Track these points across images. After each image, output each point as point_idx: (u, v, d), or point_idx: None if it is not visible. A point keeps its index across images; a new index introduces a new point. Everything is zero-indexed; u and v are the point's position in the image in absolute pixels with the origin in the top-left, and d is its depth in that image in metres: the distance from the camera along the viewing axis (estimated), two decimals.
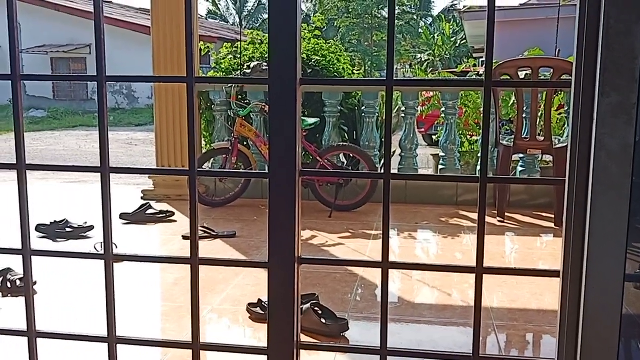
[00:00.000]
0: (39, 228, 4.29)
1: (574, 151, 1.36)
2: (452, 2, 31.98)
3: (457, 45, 27.31)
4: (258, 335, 2.74)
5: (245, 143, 5.57)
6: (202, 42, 6.82)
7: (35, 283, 1.92)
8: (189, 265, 1.62)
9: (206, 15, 33.77)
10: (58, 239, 4.27)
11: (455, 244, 4.29)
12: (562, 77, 4.48)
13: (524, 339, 2.79)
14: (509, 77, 4.72)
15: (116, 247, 1.98)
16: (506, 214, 4.82)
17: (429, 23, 30.80)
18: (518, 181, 5.17)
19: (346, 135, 6.02)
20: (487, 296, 3.12)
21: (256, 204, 5.27)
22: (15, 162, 1.56)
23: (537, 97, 4.83)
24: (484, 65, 1.49)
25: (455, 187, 5.35)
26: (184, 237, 4.30)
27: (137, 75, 1.69)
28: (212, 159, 5.46)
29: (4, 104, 20.96)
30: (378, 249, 1.66)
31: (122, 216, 4.76)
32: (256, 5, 33.74)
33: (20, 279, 3.17)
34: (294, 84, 1.48)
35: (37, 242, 4.12)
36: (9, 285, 3.18)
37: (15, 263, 3.28)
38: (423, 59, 28.23)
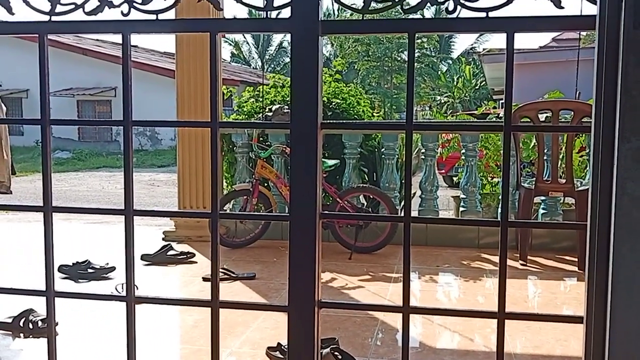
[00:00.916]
0: (61, 269, 4.33)
1: (594, 196, 1.36)
2: (472, 44, 32.27)
3: (477, 87, 27.46)
4: None
5: (266, 184, 5.61)
6: (224, 86, 6.95)
7: (56, 324, 1.93)
8: (209, 308, 1.63)
9: (230, 58, 34.44)
10: (80, 280, 4.30)
11: (477, 287, 4.23)
12: (582, 120, 4.47)
13: None
14: (529, 120, 4.72)
15: (137, 288, 1.99)
16: (528, 257, 4.76)
17: (448, 65, 31.04)
18: (539, 225, 5.11)
19: (366, 176, 6.04)
20: (509, 341, 3.06)
21: (276, 245, 5.27)
22: (42, 205, 1.59)
23: (558, 140, 4.82)
24: (504, 109, 1.50)
25: (476, 229, 5.32)
26: (204, 279, 4.31)
27: (163, 120, 1.73)
28: (233, 200, 5.50)
29: (31, 146, 21.41)
30: (399, 292, 1.65)
31: (144, 257, 4.79)
32: (277, 49, 34.35)
33: (41, 320, 3.19)
34: (315, 128, 1.50)
35: (60, 282, 4.15)
36: (30, 326, 3.20)
37: (36, 303, 3.30)
38: (443, 101, 28.40)
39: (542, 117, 5.18)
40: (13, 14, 1.59)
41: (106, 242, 5.65)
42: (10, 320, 3.24)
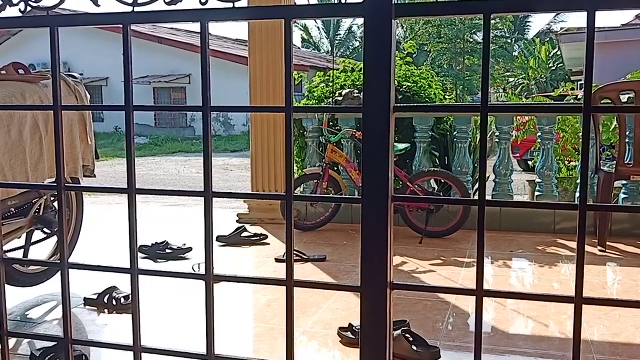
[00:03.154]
0: (141, 249, 4.53)
1: None
2: (548, 24, 31.13)
3: (554, 68, 26.51)
4: None
5: (335, 168, 5.65)
6: (295, 72, 7.02)
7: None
8: (283, 288, 1.67)
9: (301, 44, 34.64)
10: (158, 260, 4.49)
11: (552, 273, 4.13)
12: None
13: None
14: (610, 101, 4.54)
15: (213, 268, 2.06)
16: (608, 243, 4.60)
17: (523, 46, 30.11)
18: (620, 209, 4.91)
19: (437, 160, 5.98)
20: (587, 329, 2.98)
21: (345, 228, 5.31)
22: (126, 187, 1.67)
23: None
24: (583, 90, 1.45)
25: (552, 214, 5.17)
26: (277, 260, 4.40)
27: (239, 106, 1.78)
28: (304, 184, 5.57)
29: (110, 132, 22.32)
30: (471, 277, 1.64)
31: (219, 239, 4.94)
32: (347, 33, 34.24)
33: (124, 297, 3.36)
34: (387, 112, 1.51)
35: (140, 262, 4.34)
36: (114, 302, 3.38)
37: (118, 281, 3.48)
38: (518, 83, 27.59)
39: (624, 98, 4.96)
40: (99, 6, 1.66)
41: (183, 223, 5.86)
42: (95, 297, 3.43)
